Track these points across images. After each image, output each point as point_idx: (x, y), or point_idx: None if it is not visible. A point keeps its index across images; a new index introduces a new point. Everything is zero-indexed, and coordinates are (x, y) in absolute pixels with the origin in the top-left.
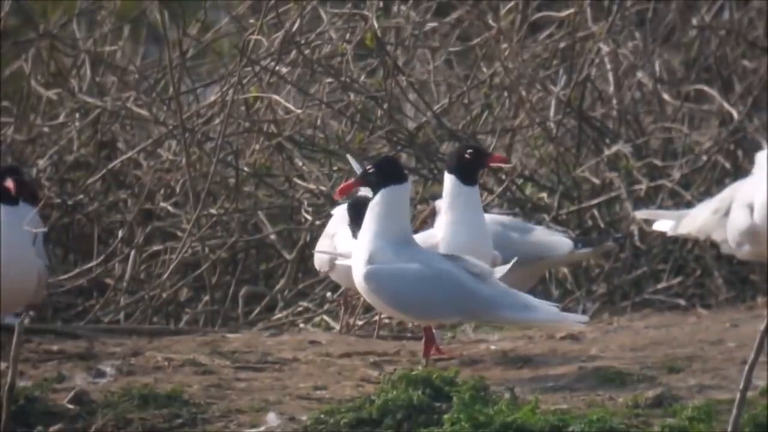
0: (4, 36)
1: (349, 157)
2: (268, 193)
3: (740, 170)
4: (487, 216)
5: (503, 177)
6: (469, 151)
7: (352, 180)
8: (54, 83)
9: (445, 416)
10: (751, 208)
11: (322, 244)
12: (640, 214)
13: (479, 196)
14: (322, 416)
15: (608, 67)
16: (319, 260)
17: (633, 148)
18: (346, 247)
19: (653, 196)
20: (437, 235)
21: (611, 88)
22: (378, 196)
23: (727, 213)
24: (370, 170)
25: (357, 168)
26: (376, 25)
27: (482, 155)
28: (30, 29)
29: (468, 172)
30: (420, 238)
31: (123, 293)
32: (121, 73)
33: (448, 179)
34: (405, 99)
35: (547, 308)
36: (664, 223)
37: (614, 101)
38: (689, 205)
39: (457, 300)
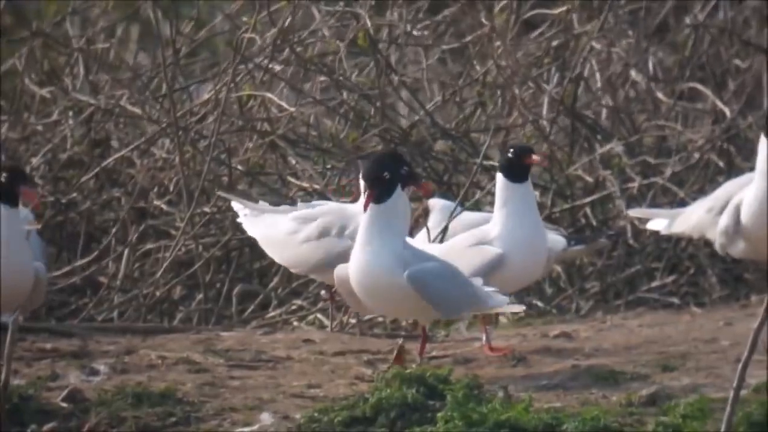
0: None
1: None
2: (262, 191)
3: (733, 168)
4: (481, 214)
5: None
6: (512, 149)
7: (368, 193)
8: (47, 81)
9: (439, 414)
10: (738, 208)
11: (319, 246)
12: (634, 213)
13: (532, 193)
14: (316, 414)
15: (601, 65)
16: (320, 261)
17: (626, 146)
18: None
19: (646, 193)
20: (491, 233)
21: (604, 87)
22: (391, 201)
23: (720, 212)
24: (386, 175)
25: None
26: (368, 23)
27: (521, 153)
28: (24, 28)
29: (513, 169)
30: (473, 235)
31: (116, 291)
32: (115, 72)
33: (498, 178)
34: (398, 97)
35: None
36: (658, 222)
37: (607, 99)
38: (683, 203)
39: (470, 294)
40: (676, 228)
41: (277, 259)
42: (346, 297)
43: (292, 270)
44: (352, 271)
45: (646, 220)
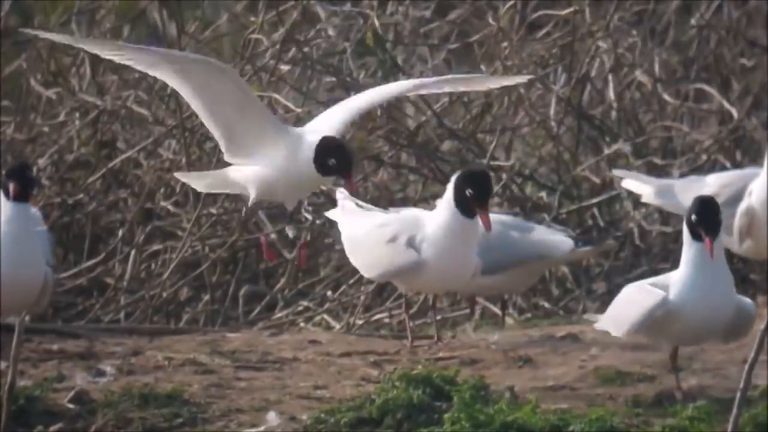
0: (4, 35)
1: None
2: None
3: (739, 169)
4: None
5: (502, 176)
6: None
7: None
8: (54, 82)
9: (446, 416)
10: (750, 194)
11: (385, 254)
12: (617, 173)
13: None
14: (323, 416)
15: (607, 65)
16: (386, 268)
17: (633, 147)
18: None
19: None
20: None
21: (611, 87)
22: None
23: (726, 202)
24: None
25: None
26: (377, 23)
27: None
28: (30, 28)
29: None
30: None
31: (123, 293)
32: (121, 72)
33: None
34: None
35: None
36: (640, 187)
37: (614, 100)
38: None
39: None
40: (664, 200)
41: (354, 264)
42: (652, 326)
43: (366, 275)
44: (706, 306)
45: (653, 222)
